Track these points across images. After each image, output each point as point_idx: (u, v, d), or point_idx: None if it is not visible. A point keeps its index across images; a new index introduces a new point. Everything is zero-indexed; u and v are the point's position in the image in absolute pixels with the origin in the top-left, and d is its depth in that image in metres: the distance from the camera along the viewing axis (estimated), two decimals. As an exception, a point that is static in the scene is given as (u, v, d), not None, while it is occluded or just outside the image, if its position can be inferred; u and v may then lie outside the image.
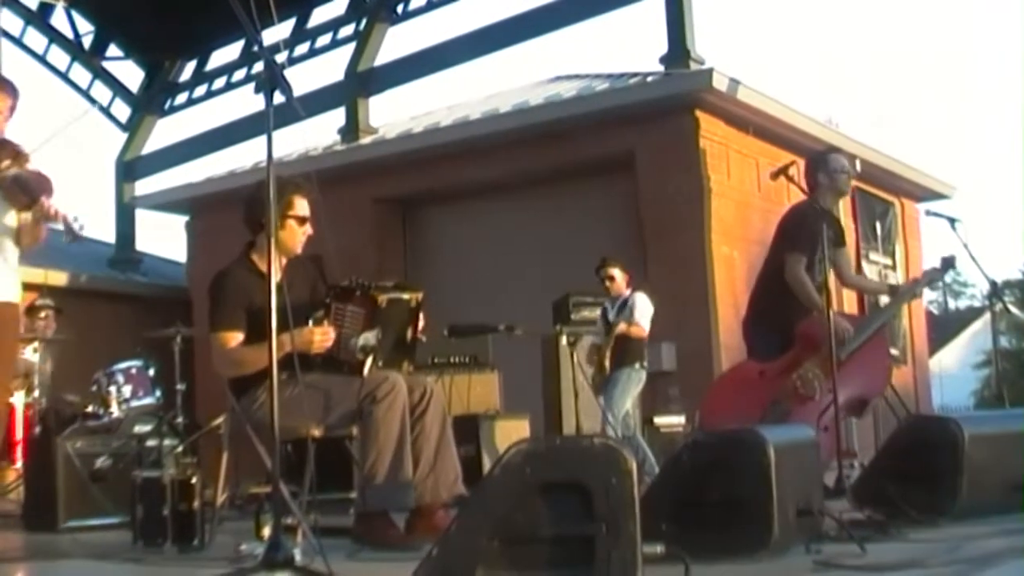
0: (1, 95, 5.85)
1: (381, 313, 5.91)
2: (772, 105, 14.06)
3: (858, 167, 8.02)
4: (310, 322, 5.74)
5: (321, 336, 5.67)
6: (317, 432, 5.75)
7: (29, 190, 5.62)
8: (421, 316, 6.19)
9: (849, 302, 13.87)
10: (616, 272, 10.60)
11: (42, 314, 10.69)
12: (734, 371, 8.06)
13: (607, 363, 10.28)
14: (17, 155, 5.74)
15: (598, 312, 10.68)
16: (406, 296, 6.16)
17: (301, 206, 6.03)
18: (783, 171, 7.14)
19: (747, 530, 4.52)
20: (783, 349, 7.24)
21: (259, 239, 5.95)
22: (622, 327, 10.27)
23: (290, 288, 5.39)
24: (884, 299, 8.67)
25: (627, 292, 10.57)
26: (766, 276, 7.70)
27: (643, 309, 10.42)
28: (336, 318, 5.80)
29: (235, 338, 5.79)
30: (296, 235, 6.02)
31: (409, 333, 6.17)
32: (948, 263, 7.58)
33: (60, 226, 5.67)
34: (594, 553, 3.48)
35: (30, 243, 5.91)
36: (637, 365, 10.41)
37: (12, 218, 5.78)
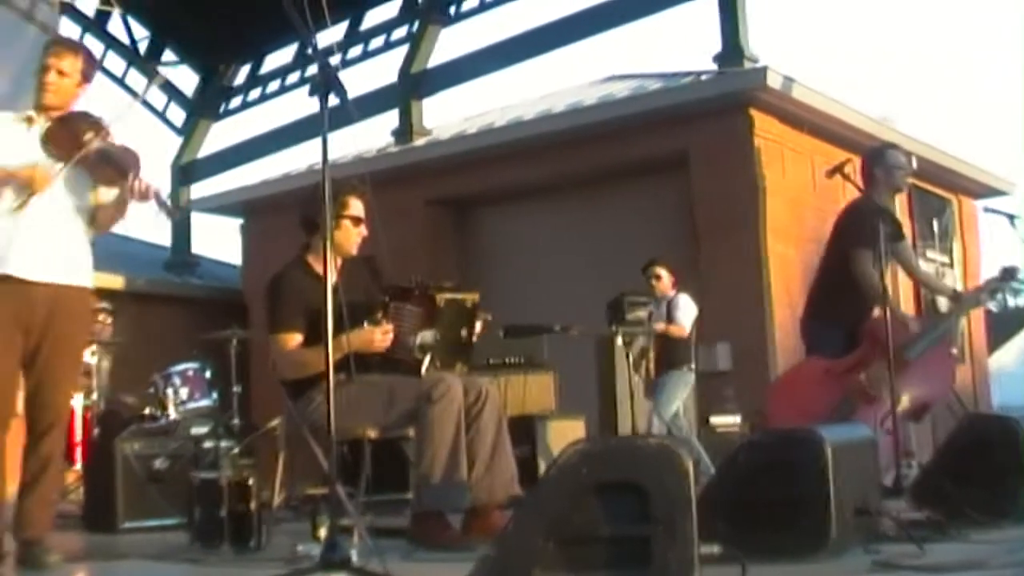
0: (71, 57, 5.60)
1: (439, 313, 5.92)
2: (827, 103, 13.95)
3: (914, 164, 7.95)
4: (366, 323, 5.75)
5: (382, 335, 5.68)
6: (373, 433, 5.76)
7: (118, 165, 5.45)
8: (478, 319, 6.20)
9: (906, 302, 13.75)
10: (663, 272, 10.60)
11: (99, 317, 10.77)
12: (798, 369, 7.97)
13: (651, 366, 10.24)
14: (98, 127, 5.56)
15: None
16: (462, 297, 6.17)
17: (356, 207, 6.06)
18: (839, 169, 7.09)
19: (805, 530, 4.49)
20: (846, 346, 7.17)
21: (314, 240, 5.97)
22: (660, 326, 10.26)
23: (346, 289, 5.39)
24: (943, 301, 8.60)
25: (672, 293, 10.55)
26: (826, 273, 7.64)
27: (685, 309, 10.41)
28: (394, 317, 5.81)
29: (295, 339, 5.81)
30: (351, 236, 6.04)
31: (464, 334, 6.17)
32: (1009, 273, 7.49)
33: (152, 205, 5.50)
34: (651, 554, 3.47)
35: (107, 225, 5.74)
36: (685, 368, 10.40)
37: (89, 196, 5.62)
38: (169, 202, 5.42)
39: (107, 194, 5.61)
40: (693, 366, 10.55)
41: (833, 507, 4.45)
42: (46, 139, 5.46)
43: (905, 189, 8.16)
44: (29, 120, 5.55)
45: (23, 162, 5.39)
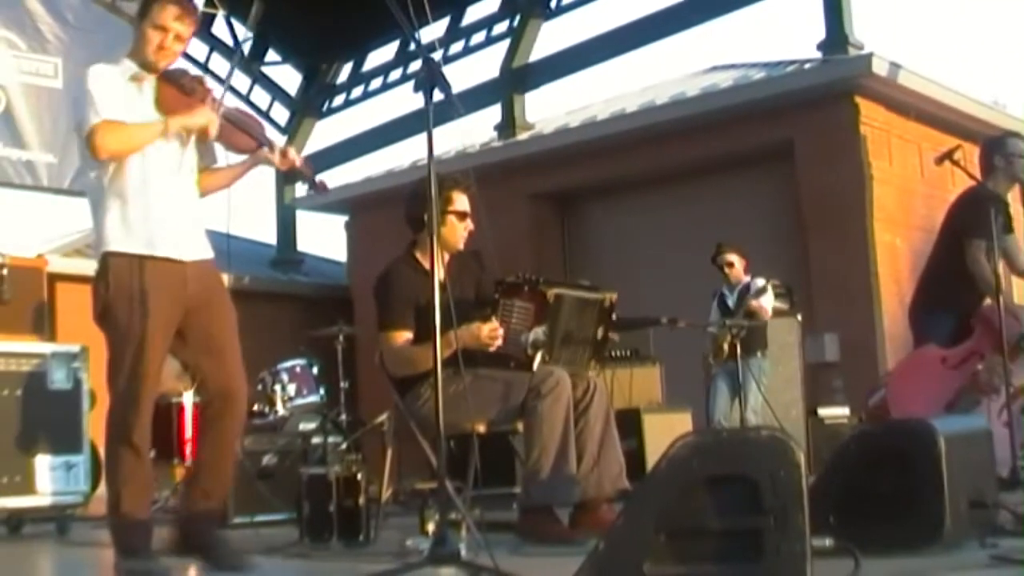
0: (190, 21, 5.09)
1: (550, 308, 5.91)
2: (934, 88, 13.75)
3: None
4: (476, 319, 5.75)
5: (489, 332, 5.67)
6: (481, 428, 5.77)
7: (250, 130, 5.15)
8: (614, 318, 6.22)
9: (1018, 293, 13.52)
10: (735, 258, 10.34)
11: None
12: (915, 357, 7.83)
13: (725, 348, 9.88)
14: (206, 87, 5.16)
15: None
16: (597, 296, 6.18)
17: (460, 202, 6.06)
18: (948, 155, 6.98)
19: (918, 523, 4.42)
20: (956, 335, 7.07)
21: (420, 237, 5.99)
22: (754, 303, 9.98)
23: (454, 284, 5.40)
24: None
25: (746, 278, 10.33)
26: (938, 261, 7.52)
27: (768, 294, 10.16)
28: (504, 314, 5.81)
29: (404, 336, 5.84)
30: (457, 231, 6.05)
31: (600, 332, 6.18)
32: None
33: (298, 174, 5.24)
34: (762, 546, 3.43)
35: (208, 192, 5.32)
36: (759, 354, 10.16)
37: (195, 164, 5.19)
38: (312, 171, 5.22)
39: (209, 159, 5.30)
40: (768, 351, 10.34)
41: (947, 499, 4.38)
42: (160, 104, 5.05)
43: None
44: (137, 79, 5.07)
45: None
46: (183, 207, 5.09)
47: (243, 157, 5.31)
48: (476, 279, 6.17)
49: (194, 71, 5.31)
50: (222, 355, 5.17)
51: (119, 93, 4.97)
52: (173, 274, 4.99)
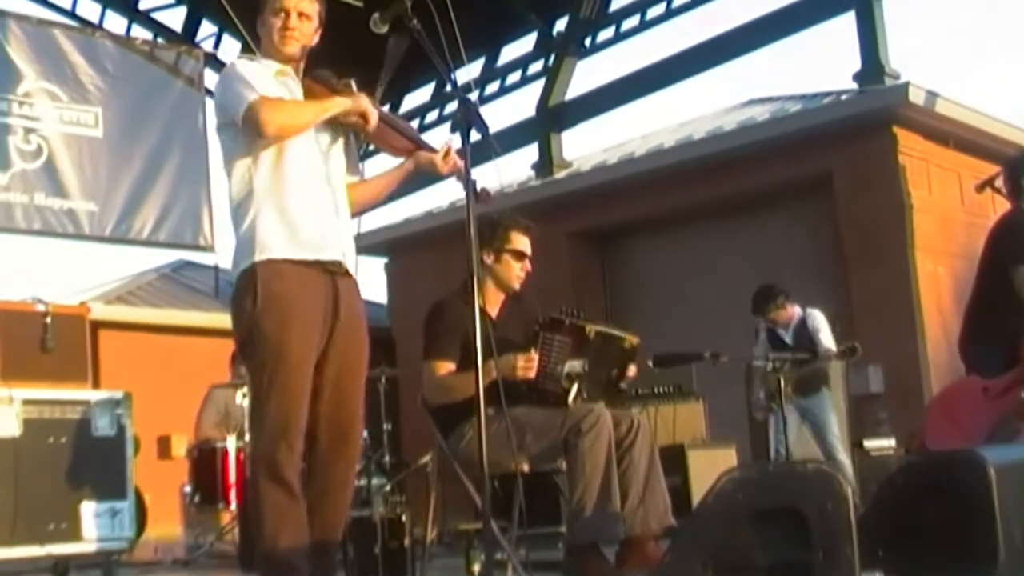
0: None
1: (589, 344, 5.90)
2: (972, 116, 13.71)
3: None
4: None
5: (524, 362, 5.64)
6: (525, 466, 5.75)
7: (407, 131, 4.85)
8: (634, 363, 6.18)
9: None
10: (781, 297, 10.13)
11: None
12: (955, 388, 7.74)
13: (790, 392, 9.60)
14: (350, 87, 4.76)
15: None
16: (620, 335, 6.15)
17: (520, 242, 6.04)
18: (989, 182, 6.94)
19: (971, 555, 4.35)
20: (1008, 364, 6.98)
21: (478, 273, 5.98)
22: (834, 352, 9.73)
23: (505, 325, 5.39)
24: None
25: (798, 312, 10.11)
26: (983, 291, 7.42)
27: (828, 328, 9.95)
28: (544, 347, 5.79)
29: (446, 367, 5.83)
30: (512, 270, 6.02)
31: (615, 374, 6.15)
32: None
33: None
34: (812, 581, 3.40)
35: (364, 204, 5.06)
36: (824, 389, 10.04)
37: (343, 175, 4.81)
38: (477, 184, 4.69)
39: (354, 170, 4.94)
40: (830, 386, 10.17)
41: (1000, 530, 4.32)
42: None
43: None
44: (281, 75, 4.72)
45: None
46: (335, 218, 4.69)
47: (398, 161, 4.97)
48: (526, 323, 6.15)
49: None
50: (350, 391, 4.76)
51: (269, 81, 4.64)
52: (324, 287, 4.58)
